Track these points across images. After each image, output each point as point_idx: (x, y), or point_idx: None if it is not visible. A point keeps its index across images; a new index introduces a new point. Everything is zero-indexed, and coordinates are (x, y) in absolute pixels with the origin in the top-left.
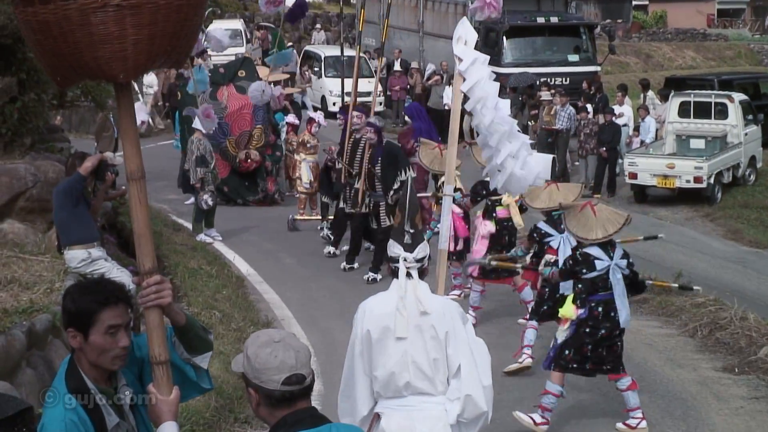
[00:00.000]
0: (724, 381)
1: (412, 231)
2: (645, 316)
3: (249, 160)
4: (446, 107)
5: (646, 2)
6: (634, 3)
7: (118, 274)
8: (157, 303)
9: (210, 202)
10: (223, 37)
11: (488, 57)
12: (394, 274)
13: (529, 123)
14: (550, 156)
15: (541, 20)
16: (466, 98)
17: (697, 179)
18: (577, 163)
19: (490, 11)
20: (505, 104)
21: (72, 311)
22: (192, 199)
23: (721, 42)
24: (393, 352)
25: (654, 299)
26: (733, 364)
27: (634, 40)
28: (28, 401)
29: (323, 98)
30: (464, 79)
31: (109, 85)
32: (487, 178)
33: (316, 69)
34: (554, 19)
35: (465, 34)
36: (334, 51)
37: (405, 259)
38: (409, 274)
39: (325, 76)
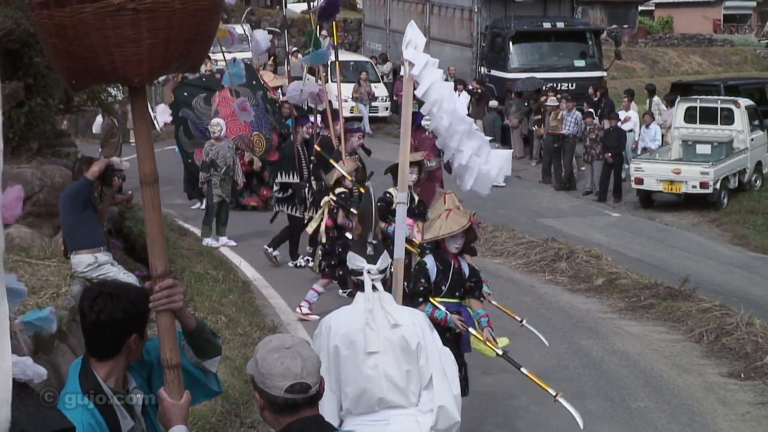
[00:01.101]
0: (730, 386)
1: (375, 242)
2: (651, 322)
3: (252, 166)
4: None
5: (652, 7)
6: (640, 8)
7: (125, 278)
8: (169, 307)
9: (215, 199)
10: (263, 40)
11: (437, 60)
12: (358, 287)
13: (533, 128)
14: (509, 151)
15: (547, 25)
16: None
17: (703, 184)
18: (582, 168)
19: None
20: (462, 104)
21: (135, 313)
22: (197, 204)
23: (728, 47)
24: (364, 367)
25: (660, 305)
26: (740, 370)
27: (640, 45)
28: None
29: (329, 103)
30: (417, 84)
31: (116, 90)
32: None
33: (323, 74)
34: (560, 25)
35: (414, 37)
36: (341, 57)
37: (369, 272)
38: (374, 287)
39: (332, 81)
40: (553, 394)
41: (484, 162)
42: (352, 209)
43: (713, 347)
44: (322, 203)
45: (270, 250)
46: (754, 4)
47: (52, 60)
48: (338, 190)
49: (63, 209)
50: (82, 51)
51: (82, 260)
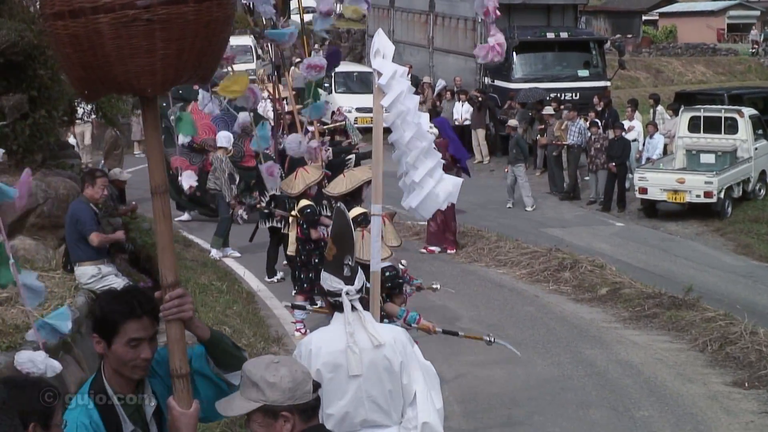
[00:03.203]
0: (734, 395)
1: (351, 264)
2: (655, 331)
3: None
4: (456, 122)
5: (656, 17)
6: (644, 18)
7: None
8: (179, 316)
9: (245, 217)
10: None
11: (407, 69)
12: (336, 308)
13: (536, 138)
14: (460, 180)
15: (551, 35)
16: None
17: (708, 194)
18: (586, 178)
19: (493, 55)
20: (425, 118)
21: (98, 318)
22: (184, 216)
23: (731, 56)
24: (347, 389)
25: (664, 314)
26: (743, 379)
27: (644, 54)
28: None
29: (332, 114)
30: (384, 94)
31: (119, 102)
32: None
33: (326, 85)
34: (564, 35)
35: (382, 47)
36: (345, 67)
37: (348, 293)
38: (353, 307)
39: (336, 92)
40: (488, 339)
41: (434, 184)
42: (323, 218)
43: (717, 356)
44: (290, 219)
45: (271, 280)
46: (758, 13)
47: (65, 70)
48: (302, 204)
49: (69, 224)
50: (96, 61)
51: (85, 272)
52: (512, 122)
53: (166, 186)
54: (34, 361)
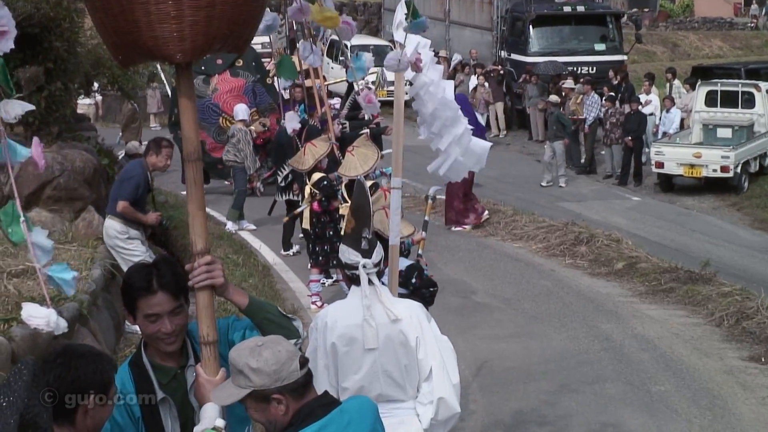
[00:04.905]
0: (751, 370)
1: (369, 237)
2: (671, 306)
3: (266, 131)
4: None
5: None
6: None
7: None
8: (208, 283)
9: (262, 189)
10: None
11: (429, 41)
12: (353, 281)
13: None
14: (488, 144)
15: (567, 9)
16: None
17: (724, 168)
18: (602, 153)
19: None
20: (450, 87)
21: (122, 292)
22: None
23: (748, 31)
24: (362, 363)
25: (680, 289)
26: (760, 354)
27: (660, 29)
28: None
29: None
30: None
31: (136, 75)
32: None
33: (341, 58)
34: (581, 8)
35: (405, 18)
36: (360, 40)
37: (365, 266)
38: (370, 281)
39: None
40: (430, 200)
41: (461, 152)
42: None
43: (733, 331)
44: (306, 194)
45: (287, 253)
46: None
47: (100, 35)
48: (316, 177)
49: (118, 179)
50: (127, 26)
51: (113, 225)
52: (553, 98)
53: (198, 153)
54: (43, 317)
